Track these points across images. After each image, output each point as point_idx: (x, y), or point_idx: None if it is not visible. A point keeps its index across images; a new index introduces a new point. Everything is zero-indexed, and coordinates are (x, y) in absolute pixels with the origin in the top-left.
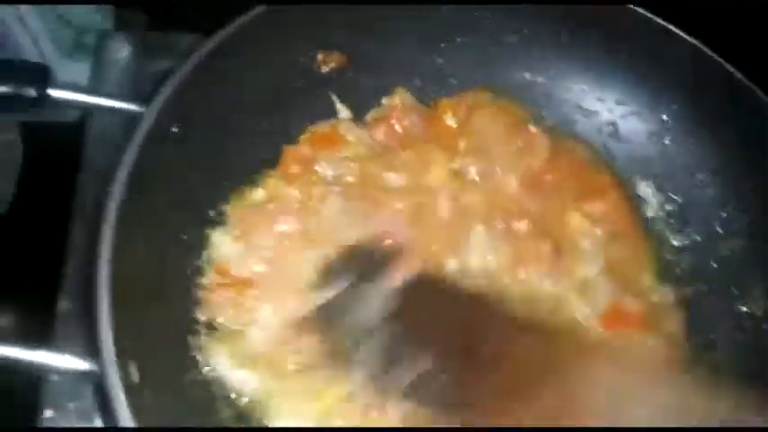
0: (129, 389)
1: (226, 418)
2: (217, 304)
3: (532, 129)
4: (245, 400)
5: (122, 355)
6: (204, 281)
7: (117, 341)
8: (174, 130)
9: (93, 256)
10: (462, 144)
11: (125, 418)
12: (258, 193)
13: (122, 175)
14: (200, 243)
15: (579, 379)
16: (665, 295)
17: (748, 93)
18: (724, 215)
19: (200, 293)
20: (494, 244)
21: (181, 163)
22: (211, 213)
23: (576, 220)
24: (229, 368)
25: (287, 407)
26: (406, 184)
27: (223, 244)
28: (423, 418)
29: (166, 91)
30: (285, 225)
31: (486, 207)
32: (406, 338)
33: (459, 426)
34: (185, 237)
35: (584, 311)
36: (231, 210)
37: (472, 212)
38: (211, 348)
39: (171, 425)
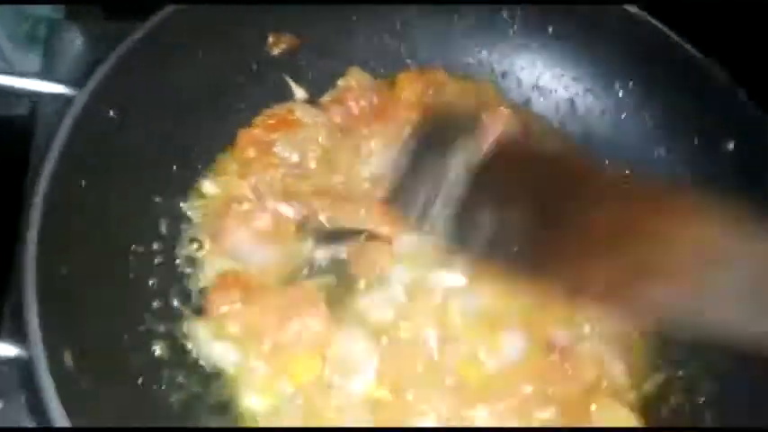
0: (61, 375)
1: (182, 400)
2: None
3: (494, 107)
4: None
5: (53, 340)
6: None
7: (46, 326)
8: (112, 115)
9: (22, 240)
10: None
11: (53, 407)
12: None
13: (52, 158)
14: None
15: (663, 240)
16: None
17: (703, 66)
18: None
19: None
20: None
21: (125, 151)
22: (159, 200)
23: None
24: (205, 343)
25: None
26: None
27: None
28: (495, 273)
29: (98, 75)
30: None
31: None
32: (483, 200)
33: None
34: (135, 222)
35: None
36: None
37: None
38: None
39: (115, 413)
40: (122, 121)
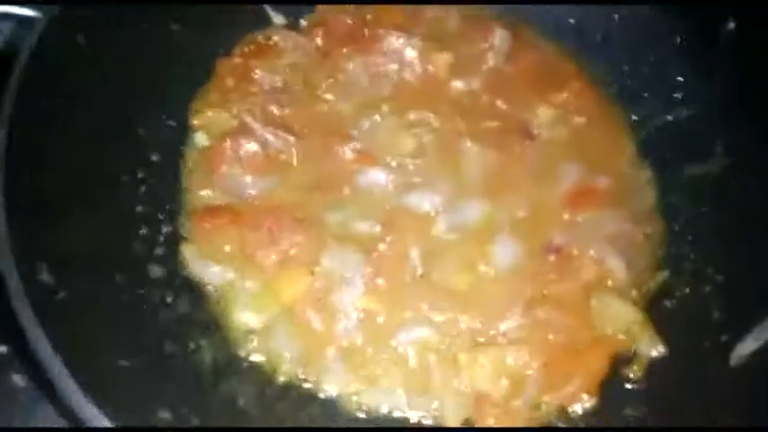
0: (36, 289)
1: (171, 318)
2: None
3: (490, 23)
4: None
5: (27, 254)
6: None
7: (17, 238)
8: (81, 42)
9: None
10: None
11: (27, 317)
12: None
13: (22, 65)
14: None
15: None
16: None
17: None
18: (681, 79)
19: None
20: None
21: (94, 78)
22: (143, 132)
23: (545, 112)
24: (195, 264)
25: (249, 301)
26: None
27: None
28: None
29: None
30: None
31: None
32: None
33: None
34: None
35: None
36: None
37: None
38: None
39: (96, 328)
40: (95, 50)
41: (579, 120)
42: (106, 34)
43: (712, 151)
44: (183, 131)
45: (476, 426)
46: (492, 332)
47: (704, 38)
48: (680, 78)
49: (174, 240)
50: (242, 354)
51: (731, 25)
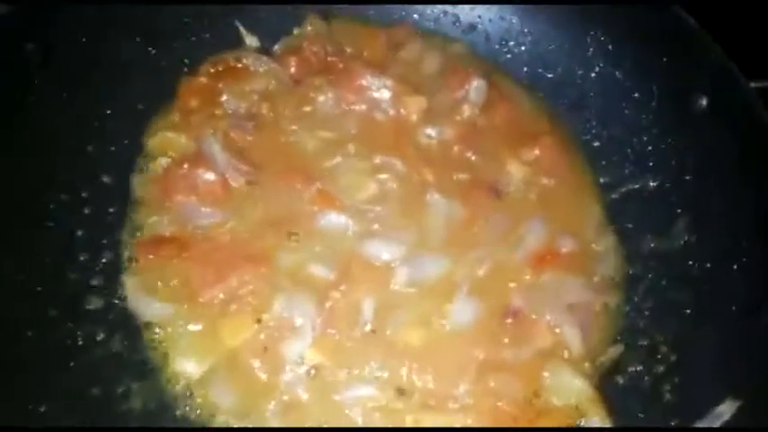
0: None
1: (102, 357)
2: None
3: (468, 70)
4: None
5: None
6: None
7: None
8: (31, 47)
9: None
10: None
11: None
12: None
13: None
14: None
15: None
16: (601, 237)
17: (678, 20)
18: (651, 148)
19: None
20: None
21: (48, 93)
22: (91, 149)
23: (515, 169)
24: (135, 299)
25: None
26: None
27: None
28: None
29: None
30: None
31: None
32: None
33: None
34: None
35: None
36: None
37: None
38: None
39: (18, 369)
40: (48, 59)
41: (548, 181)
42: (63, 41)
43: (675, 226)
44: (138, 152)
45: None
46: (443, 395)
47: (678, 108)
48: (650, 147)
49: (115, 270)
50: (176, 402)
51: (703, 101)
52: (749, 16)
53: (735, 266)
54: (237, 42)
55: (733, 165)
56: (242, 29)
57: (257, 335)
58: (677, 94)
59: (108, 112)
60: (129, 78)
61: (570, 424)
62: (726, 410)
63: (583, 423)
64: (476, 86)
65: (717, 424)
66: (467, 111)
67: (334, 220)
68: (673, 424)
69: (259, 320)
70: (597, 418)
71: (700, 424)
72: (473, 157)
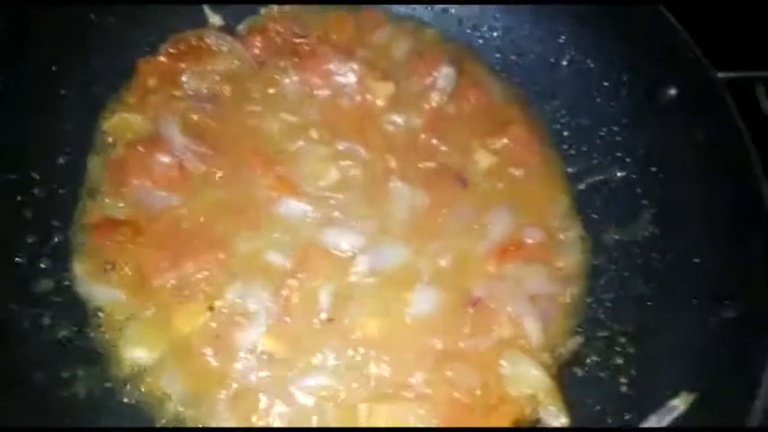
0: None
1: (52, 342)
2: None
3: (437, 57)
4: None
5: None
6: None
7: None
8: None
9: None
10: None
11: None
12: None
13: None
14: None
15: None
16: (566, 228)
17: (651, 10)
18: (619, 139)
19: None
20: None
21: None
22: (41, 127)
23: (483, 158)
24: (85, 284)
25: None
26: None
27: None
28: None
29: None
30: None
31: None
32: None
33: None
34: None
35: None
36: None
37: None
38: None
39: None
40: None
41: (516, 170)
42: (18, 19)
43: (639, 218)
44: (93, 133)
45: None
46: (399, 384)
47: (647, 98)
48: (618, 138)
49: (65, 254)
50: (123, 388)
51: (672, 92)
52: (718, 7)
53: (697, 260)
54: (201, 21)
55: (700, 156)
56: (206, 7)
57: (209, 322)
58: (647, 84)
59: (62, 91)
60: (86, 57)
61: (526, 414)
62: (680, 404)
63: (539, 413)
64: (445, 73)
65: (671, 416)
66: (435, 98)
67: (293, 206)
68: (628, 416)
69: (212, 308)
70: (554, 409)
71: (654, 416)
72: (440, 146)
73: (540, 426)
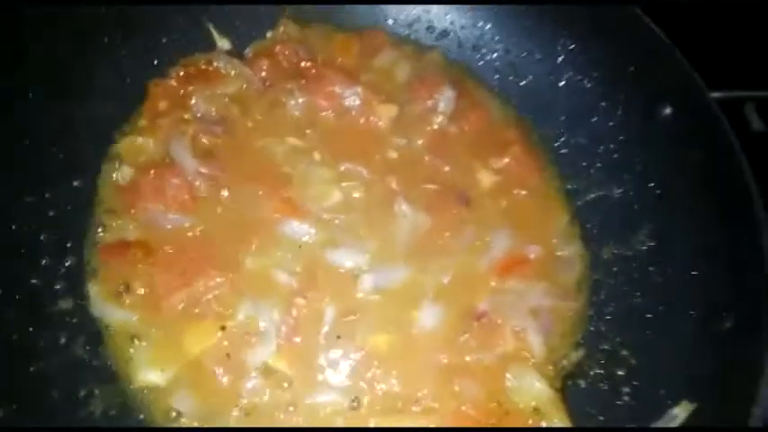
0: None
1: (64, 363)
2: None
3: (438, 80)
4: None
5: None
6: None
7: None
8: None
9: None
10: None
11: None
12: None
13: None
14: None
15: None
16: (566, 244)
17: (646, 31)
18: (616, 156)
19: None
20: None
21: (16, 95)
22: (54, 149)
23: (485, 177)
24: (98, 304)
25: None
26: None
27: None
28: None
29: None
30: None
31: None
32: None
33: None
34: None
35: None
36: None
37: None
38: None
39: None
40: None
41: (517, 188)
42: (32, 42)
43: (638, 233)
44: (105, 156)
45: None
46: (407, 398)
47: (643, 116)
48: (616, 155)
49: (79, 275)
50: (137, 407)
51: (668, 111)
52: (711, 28)
53: (694, 273)
54: (209, 45)
55: (695, 173)
56: (214, 31)
57: (221, 342)
58: (643, 103)
59: (76, 114)
60: (98, 81)
61: (533, 426)
62: (681, 412)
63: (544, 425)
64: (446, 96)
65: (671, 425)
66: (437, 120)
67: (297, 228)
68: (630, 426)
69: (223, 327)
70: (558, 421)
71: (654, 426)
72: (442, 166)
73: None
